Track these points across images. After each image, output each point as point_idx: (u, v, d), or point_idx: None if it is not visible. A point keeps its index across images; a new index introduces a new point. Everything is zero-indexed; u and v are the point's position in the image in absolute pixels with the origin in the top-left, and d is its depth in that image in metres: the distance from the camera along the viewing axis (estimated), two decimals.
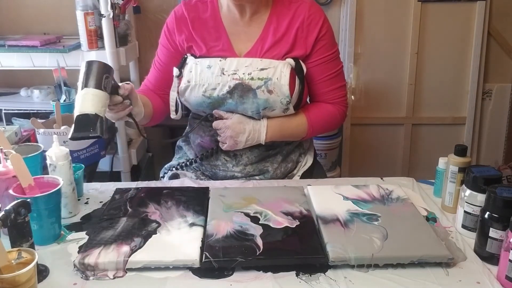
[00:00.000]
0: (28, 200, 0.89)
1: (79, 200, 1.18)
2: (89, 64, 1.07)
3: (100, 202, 1.19)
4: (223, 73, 1.23)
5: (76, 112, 1.03)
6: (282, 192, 1.17)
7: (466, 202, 1.02)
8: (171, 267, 0.90)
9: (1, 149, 1.03)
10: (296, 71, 1.24)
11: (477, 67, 2.54)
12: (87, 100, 1.03)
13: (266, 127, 1.27)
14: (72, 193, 1.11)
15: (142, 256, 0.91)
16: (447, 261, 0.91)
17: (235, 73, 1.23)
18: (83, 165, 1.22)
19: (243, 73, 1.23)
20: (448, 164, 1.14)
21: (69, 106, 1.84)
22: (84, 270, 0.89)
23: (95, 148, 1.64)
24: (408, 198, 1.15)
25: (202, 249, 0.93)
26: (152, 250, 0.93)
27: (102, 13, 2.04)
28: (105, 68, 1.09)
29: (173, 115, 1.34)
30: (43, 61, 2.07)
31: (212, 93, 1.24)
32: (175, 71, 1.28)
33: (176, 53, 1.34)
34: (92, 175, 1.79)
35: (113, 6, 2.07)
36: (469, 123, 2.64)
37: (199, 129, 1.37)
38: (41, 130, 1.52)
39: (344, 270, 0.91)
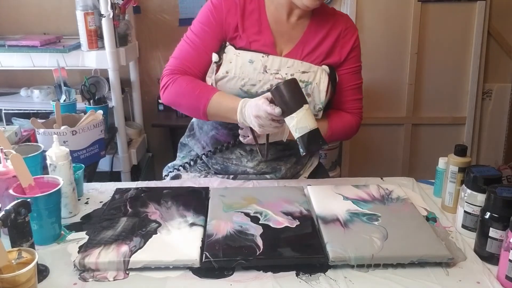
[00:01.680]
0: (28, 200, 0.89)
1: (79, 200, 1.18)
2: (292, 82, 1.06)
3: (100, 202, 1.19)
4: (266, 71, 1.23)
5: (305, 129, 1.04)
6: (282, 192, 1.17)
7: (466, 202, 1.02)
8: (171, 267, 0.90)
9: (1, 149, 1.03)
10: (330, 78, 1.27)
11: (477, 67, 2.54)
12: (309, 115, 1.05)
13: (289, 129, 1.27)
14: (72, 193, 1.11)
15: (143, 256, 0.91)
16: (447, 261, 0.92)
17: (277, 73, 1.24)
18: (83, 165, 1.22)
19: (286, 73, 1.24)
20: (448, 164, 1.14)
21: (69, 106, 1.85)
22: (84, 271, 0.89)
23: (95, 148, 1.64)
24: (408, 198, 1.15)
25: (202, 249, 0.93)
26: (152, 250, 0.93)
27: (102, 13, 2.05)
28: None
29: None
30: (43, 61, 2.08)
31: (251, 88, 1.24)
32: (215, 57, 1.24)
33: (219, 34, 1.27)
34: (92, 175, 1.79)
35: (113, 6, 2.07)
36: (469, 123, 2.64)
37: (216, 122, 1.34)
38: (41, 130, 1.52)
39: (344, 270, 0.91)
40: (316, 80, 1.24)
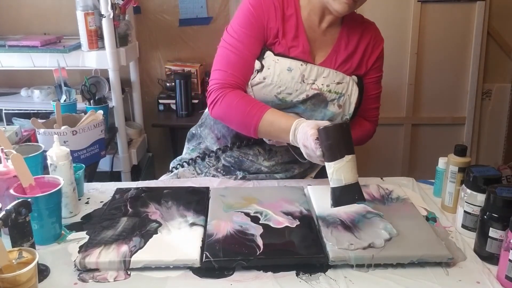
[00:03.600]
0: (29, 200, 0.89)
1: (79, 200, 1.18)
2: (341, 127, 0.99)
3: (101, 202, 1.19)
4: (303, 81, 1.22)
5: (339, 182, 0.99)
6: (282, 192, 1.17)
7: (466, 202, 1.02)
8: (171, 266, 0.90)
9: (2, 149, 1.03)
10: (359, 89, 1.28)
11: (477, 67, 2.54)
12: (348, 168, 0.98)
13: None
14: (73, 193, 1.11)
15: (143, 255, 0.91)
16: (447, 261, 0.92)
17: (314, 83, 1.23)
18: (83, 165, 1.22)
19: (322, 84, 1.23)
20: (448, 164, 1.14)
21: (70, 106, 1.85)
22: (84, 271, 0.89)
23: (95, 148, 1.64)
24: (408, 198, 1.15)
25: (202, 248, 0.93)
26: (152, 250, 0.93)
27: (102, 13, 2.05)
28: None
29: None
30: (44, 61, 2.08)
31: (287, 97, 1.22)
32: (257, 64, 1.21)
33: (261, 37, 1.23)
34: (93, 175, 1.79)
35: (113, 6, 2.07)
36: (469, 123, 2.64)
37: None
38: (42, 130, 1.52)
39: (344, 270, 0.91)
40: (348, 92, 1.26)
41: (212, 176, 1.37)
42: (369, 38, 1.30)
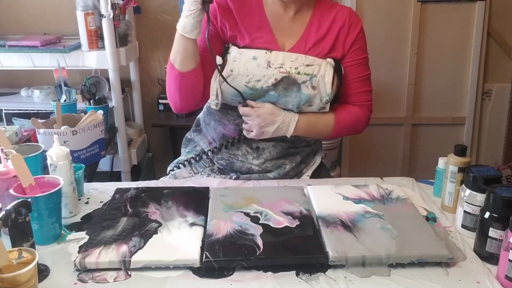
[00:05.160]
0: (29, 200, 0.89)
1: (79, 200, 1.18)
2: None
3: (101, 202, 1.19)
4: (269, 66, 1.24)
5: None
6: (282, 192, 1.17)
7: (465, 202, 1.02)
8: (171, 266, 0.90)
9: (2, 149, 1.03)
10: (335, 71, 1.28)
11: (477, 67, 2.54)
12: None
13: (296, 122, 1.28)
14: (73, 193, 1.11)
15: (143, 255, 0.91)
16: (446, 260, 0.92)
17: (281, 67, 1.24)
18: (83, 165, 1.22)
19: (290, 67, 1.25)
20: (448, 164, 1.14)
21: (69, 106, 1.85)
22: (83, 271, 0.89)
23: (95, 148, 1.64)
24: (408, 198, 1.15)
25: (202, 248, 0.93)
26: (152, 250, 0.93)
27: (102, 13, 2.05)
28: None
29: (213, 105, 1.29)
30: (44, 61, 2.08)
31: (256, 84, 1.24)
32: (219, 59, 1.25)
33: (216, 39, 1.29)
34: (93, 175, 1.79)
35: (113, 6, 2.07)
36: (469, 123, 2.64)
37: (223, 118, 1.36)
38: (42, 130, 1.52)
39: (344, 270, 0.91)
40: (321, 73, 1.25)
41: (207, 175, 1.39)
42: (343, 21, 1.31)
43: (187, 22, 1.17)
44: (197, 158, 1.42)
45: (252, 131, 1.27)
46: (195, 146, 1.47)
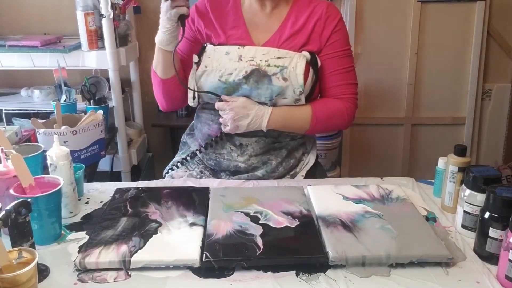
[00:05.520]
0: (29, 200, 0.89)
1: (79, 200, 1.18)
2: None
3: (101, 202, 1.19)
4: (241, 59, 1.27)
5: None
6: (282, 192, 1.17)
7: (465, 202, 1.02)
8: (171, 266, 0.90)
9: (2, 149, 1.03)
10: (311, 63, 1.29)
11: (477, 67, 2.54)
12: None
13: (269, 114, 1.29)
14: (73, 193, 1.11)
15: (143, 255, 0.91)
16: (446, 260, 0.92)
17: (252, 60, 1.27)
18: (83, 165, 1.22)
19: (260, 60, 1.27)
20: (448, 164, 1.14)
21: (69, 106, 1.85)
22: (83, 271, 0.89)
23: (95, 148, 1.64)
24: (407, 198, 1.15)
25: (202, 248, 0.93)
26: (152, 250, 0.93)
27: (102, 13, 2.05)
28: None
29: (191, 102, 1.35)
30: (44, 61, 2.08)
31: (228, 78, 1.27)
32: (195, 58, 1.31)
33: (195, 42, 1.38)
34: (92, 175, 1.79)
35: (114, 6, 2.07)
36: (469, 123, 2.64)
37: (207, 118, 1.39)
38: (42, 130, 1.52)
39: (344, 270, 0.91)
40: (293, 64, 1.26)
41: (201, 171, 1.41)
42: (319, 14, 1.33)
43: (163, 37, 1.27)
44: (189, 158, 1.44)
45: (228, 125, 1.29)
46: (189, 148, 1.49)
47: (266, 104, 1.30)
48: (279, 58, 1.27)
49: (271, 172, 1.36)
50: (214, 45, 1.33)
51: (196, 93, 1.32)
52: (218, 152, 1.37)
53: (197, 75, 1.30)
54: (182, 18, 1.25)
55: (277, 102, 1.30)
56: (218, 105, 1.30)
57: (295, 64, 1.26)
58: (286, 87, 1.26)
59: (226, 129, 1.30)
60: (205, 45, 1.34)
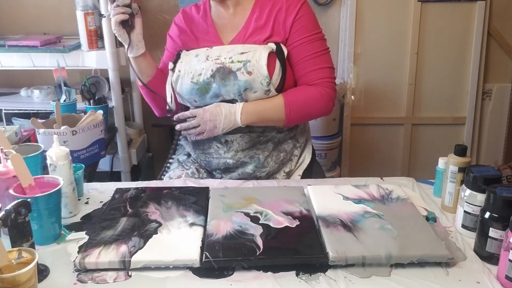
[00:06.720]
0: (29, 200, 0.89)
1: (79, 200, 1.18)
2: None
3: (100, 202, 1.19)
4: (207, 59, 1.32)
5: None
6: (282, 192, 1.17)
7: (466, 202, 1.02)
8: (171, 266, 0.90)
9: (2, 149, 1.03)
10: (276, 54, 1.30)
11: (477, 67, 2.54)
12: None
13: (241, 108, 1.30)
14: (72, 193, 1.11)
15: (143, 256, 0.91)
16: (447, 261, 0.92)
17: (218, 58, 1.31)
18: (83, 165, 1.22)
19: (225, 58, 1.30)
20: (448, 164, 1.14)
21: (69, 106, 1.85)
22: (83, 272, 0.89)
23: (95, 148, 1.64)
24: (408, 198, 1.15)
25: (202, 249, 0.93)
26: (152, 250, 0.93)
27: (102, 13, 2.05)
28: None
29: (168, 107, 1.41)
30: (43, 61, 2.08)
31: (199, 78, 1.32)
32: (170, 65, 1.37)
33: (174, 50, 1.46)
34: (92, 175, 1.79)
35: None
36: (469, 123, 2.64)
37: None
38: (41, 130, 1.52)
39: (344, 270, 0.91)
40: (256, 57, 1.28)
41: (196, 169, 1.42)
42: (280, 4, 1.35)
43: (125, 46, 1.35)
44: (185, 158, 1.46)
45: (203, 133, 1.31)
46: (184, 149, 1.52)
47: (237, 101, 1.32)
48: (242, 53, 1.29)
49: (261, 167, 1.36)
50: (187, 50, 1.39)
51: (172, 97, 1.38)
52: (207, 152, 1.40)
53: (173, 80, 1.35)
54: (125, 24, 1.32)
55: (248, 97, 1.31)
56: (192, 111, 1.33)
57: (258, 56, 1.27)
58: (252, 80, 1.28)
59: (204, 135, 1.32)
60: (180, 52, 1.40)
